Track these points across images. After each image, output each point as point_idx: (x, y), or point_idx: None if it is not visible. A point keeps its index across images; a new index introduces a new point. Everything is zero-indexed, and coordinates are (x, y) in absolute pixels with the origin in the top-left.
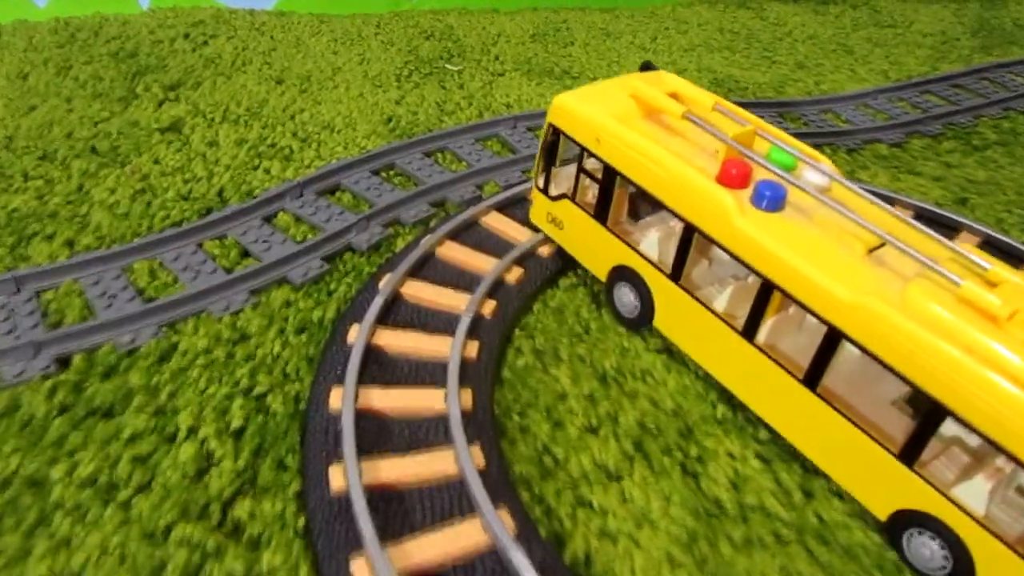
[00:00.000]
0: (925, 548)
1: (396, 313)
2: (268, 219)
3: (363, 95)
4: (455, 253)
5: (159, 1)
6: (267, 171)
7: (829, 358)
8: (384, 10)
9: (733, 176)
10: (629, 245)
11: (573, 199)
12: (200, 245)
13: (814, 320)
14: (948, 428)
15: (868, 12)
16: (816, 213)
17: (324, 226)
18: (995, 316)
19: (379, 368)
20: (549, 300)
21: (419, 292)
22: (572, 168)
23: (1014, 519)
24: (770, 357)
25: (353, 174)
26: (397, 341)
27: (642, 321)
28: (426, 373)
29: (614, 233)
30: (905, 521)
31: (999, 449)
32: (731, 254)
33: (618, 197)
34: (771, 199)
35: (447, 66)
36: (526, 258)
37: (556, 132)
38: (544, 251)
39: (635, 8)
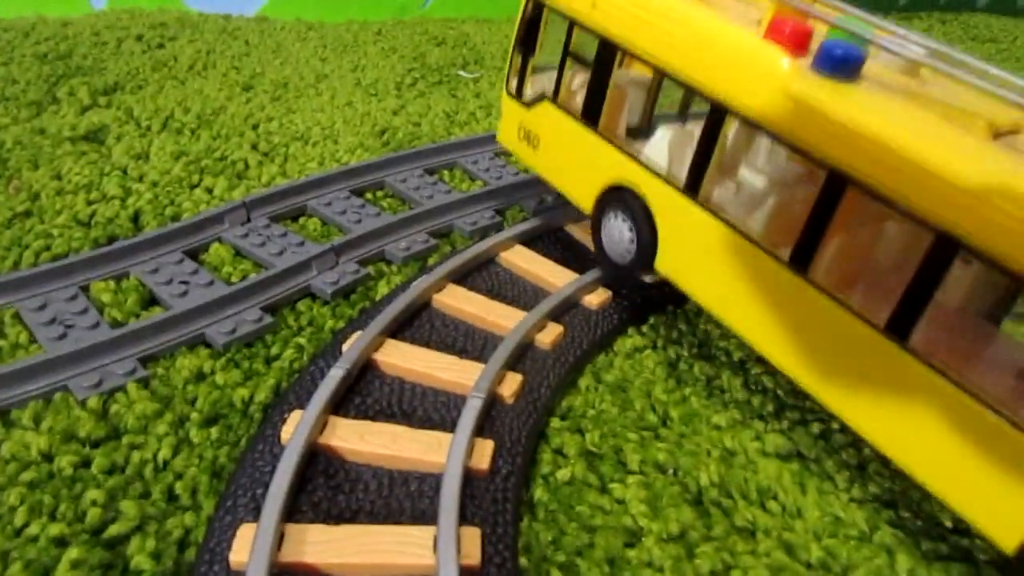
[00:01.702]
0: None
1: (365, 394)
2: (194, 252)
3: (352, 104)
4: (461, 302)
5: (117, 2)
6: (208, 190)
7: (934, 287)
8: (387, 17)
9: (787, 36)
10: (628, 154)
11: (554, 100)
12: (84, 288)
13: (908, 234)
14: None
15: (960, 27)
16: (911, 86)
17: (273, 261)
18: None
19: (328, 488)
20: (603, 372)
21: (403, 360)
22: (555, 70)
23: None
24: (834, 298)
25: (326, 194)
26: (361, 440)
27: (638, 265)
28: (406, 497)
29: (608, 139)
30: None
31: None
32: (783, 139)
33: (616, 88)
34: (842, 62)
35: (460, 73)
36: (566, 310)
37: (537, 7)
38: (592, 300)
39: None
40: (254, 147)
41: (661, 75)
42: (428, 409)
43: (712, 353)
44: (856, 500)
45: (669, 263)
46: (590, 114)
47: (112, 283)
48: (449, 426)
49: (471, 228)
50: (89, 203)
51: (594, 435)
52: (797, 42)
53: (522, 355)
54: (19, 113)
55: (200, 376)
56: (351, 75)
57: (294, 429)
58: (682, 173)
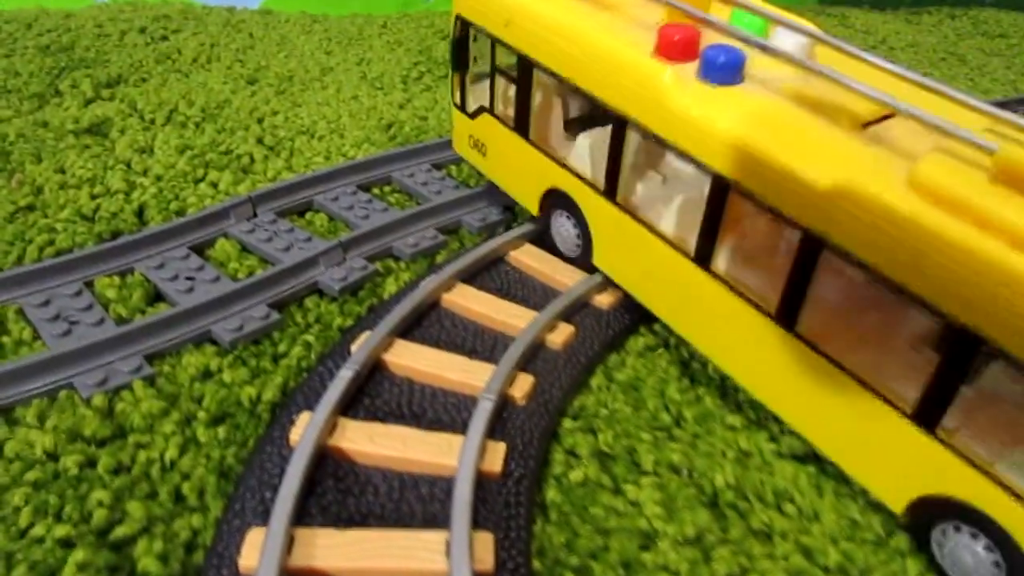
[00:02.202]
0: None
1: (374, 395)
2: (200, 248)
3: (357, 97)
4: (471, 302)
5: None
6: (213, 184)
7: (810, 281)
8: (393, 10)
9: (674, 44)
10: (558, 161)
11: (492, 111)
12: (89, 284)
13: (790, 230)
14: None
15: (970, 22)
16: (790, 84)
17: (280, 257)
18: None
19: (337, 492)
20: (616, 371)
21: (413, 361)
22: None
23: None
24: (733, 290)
25: (333, 189)
26: (371, 443)
27: (586, 258)
28: (417, 501)
29: (539, 148)
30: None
31: None
32: (672, 147)
33: (538, 98)
34: (723, 68)
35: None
36: (577, 310)
37: (464, 25)
38: (604, 299)
39: None
40: (259, 141)
41: (573, 90)
42: (439, 410)
43: None
44: (872, 503)
45: (603, 259)
46: (521, 124)
47: (117, 279)
48: (460, 428)
49: (480, 224)
50: (93, 197)
51: (607, 435)
52: (685, 52)
53: (533, 356)
54: (21, 106)
55: (207, 374)
56: (356, 68)
57: (303, 431)
58: (601, 178)
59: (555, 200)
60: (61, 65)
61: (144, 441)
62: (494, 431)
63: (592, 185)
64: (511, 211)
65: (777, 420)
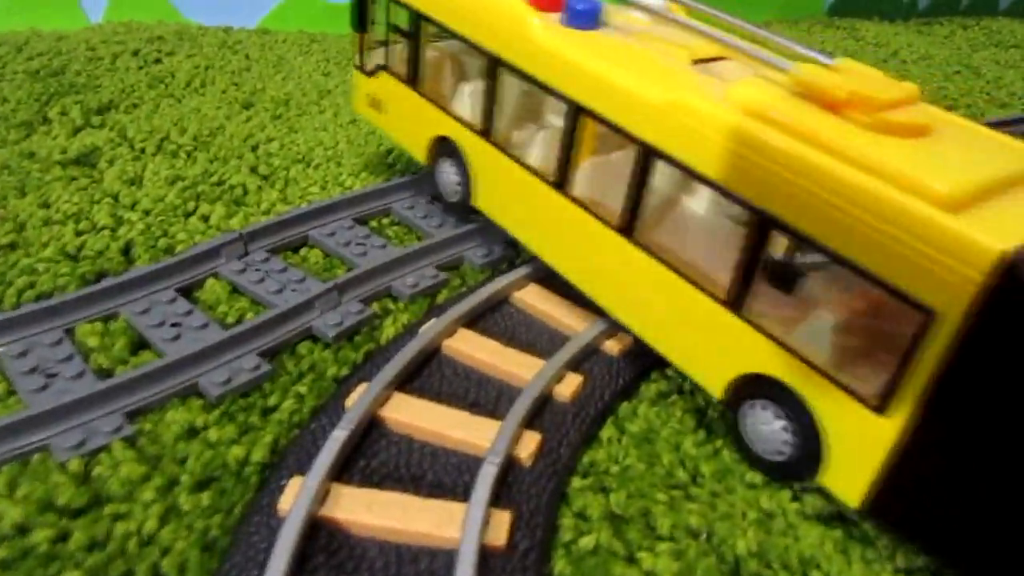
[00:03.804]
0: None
1: (370, 455)
2: (188, 289)
3: (356, 122)
4: (474, 349)
5: (114, 15)
6: (204, 218)
7: (644, 190)
8: None
9: None
10: (444, 109)
11: (388, 68)
12: (70, 330)
13: (631, 146)
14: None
15: (983, 32)
16: (638, 30)
17: (272, 300)
18: (833, 100)
19: (330, 568)
20: (627, 421)
21: (412, 417)
22: (385, 42)
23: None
24: (585, 208)
25: (328, 223)
26: (367, 512)
27: (466, 201)
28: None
29: (428, 99)
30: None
31: (837, 260)
32: (536, 82)
33: (428, 52)
34: (582, 14)
35: None
36: (586, 358)
37: None
38: (614, 345)
39: None
40: (253, 170)
41: (456, 38)
42: (439, 473)
43: None
44: (902, 570)
45: (482, 199)
46: (413, 78)
47: (100, 325)
48: (462, 493)
49: (483, 260)
50: (78, 234)
51: (619, 495)
52: (551, 2)
53: (540, 410)
54: (8, 135)
55: (192, 432)
56: None
57: (294, 499)
58: (479, 121)
59: (441, 148)
60: (51, 91)
61: (122, 511)
62: (499, 498)
63: (471, 128)
64: (514, 247)
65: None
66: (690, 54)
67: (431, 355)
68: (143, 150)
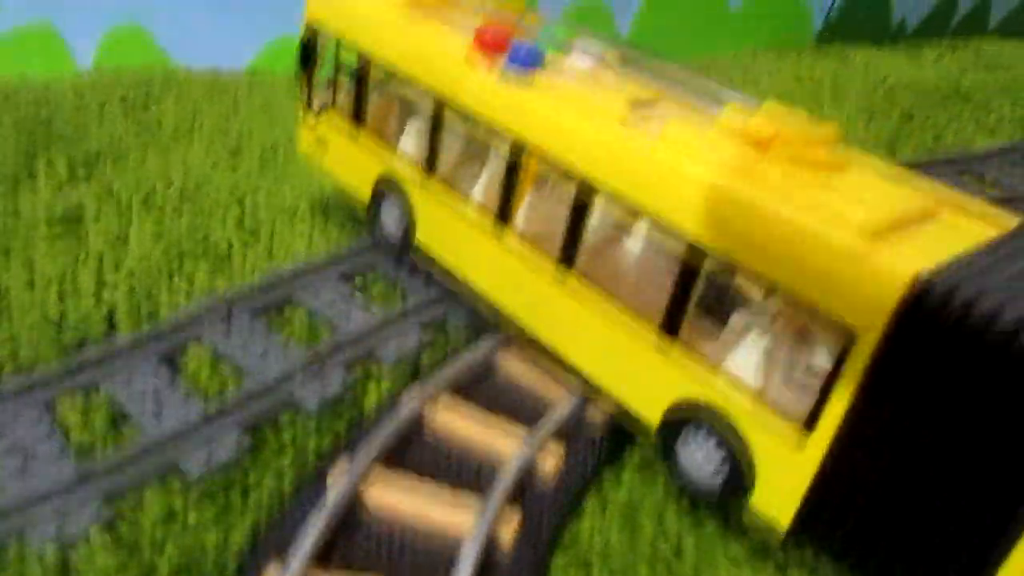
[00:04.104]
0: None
1: (350, 535)
2: (170, 357)
3: None
4: (457, 421)
5: (104, 60)
6: (188, 279)
7: (582, 224)
8: None
9: (488, 41)
10: (388, 149)
11: (334, 107)
12: (50, 406)
13: (570, 182)
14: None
15: (972, 53)
16: (579, 73)
17: (255, 369)
18: (759, 139)
19: None
20: (611, 493)
21: (392, 496)
22: (331, 82)
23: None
24: (526, 244)
25: (313, 282)
26: None
27: (406, 243)
28: None
29: (373, 138)
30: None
31: (765, 286)
32: (479, 121)
33: (375, 93)
34: (524, 58)
35: None
36: (570, 426)
37: (312, 29)
38: (597, 412)
39: (689, 59)
40: (239, 224)
41: (402, 79)
42: (419, 556)
43: None
44: None
45: (425, 237)
46: (359, 117)
47: (80, 399)
48: None
49: (468, 320)
50: (61, 298)
51: (602, 573)
52: (496, 48)
53: (522, 484)
54: None
55: (171, 514)
56: None
57: None
58: (423, 160)
59: (384, 187)
60: (38, 142)
61: None
62: None
63: (415, 167)
64: None
65: (782, 549)
66: (628, 97)
67: (414, 425)
68: (129, 205)
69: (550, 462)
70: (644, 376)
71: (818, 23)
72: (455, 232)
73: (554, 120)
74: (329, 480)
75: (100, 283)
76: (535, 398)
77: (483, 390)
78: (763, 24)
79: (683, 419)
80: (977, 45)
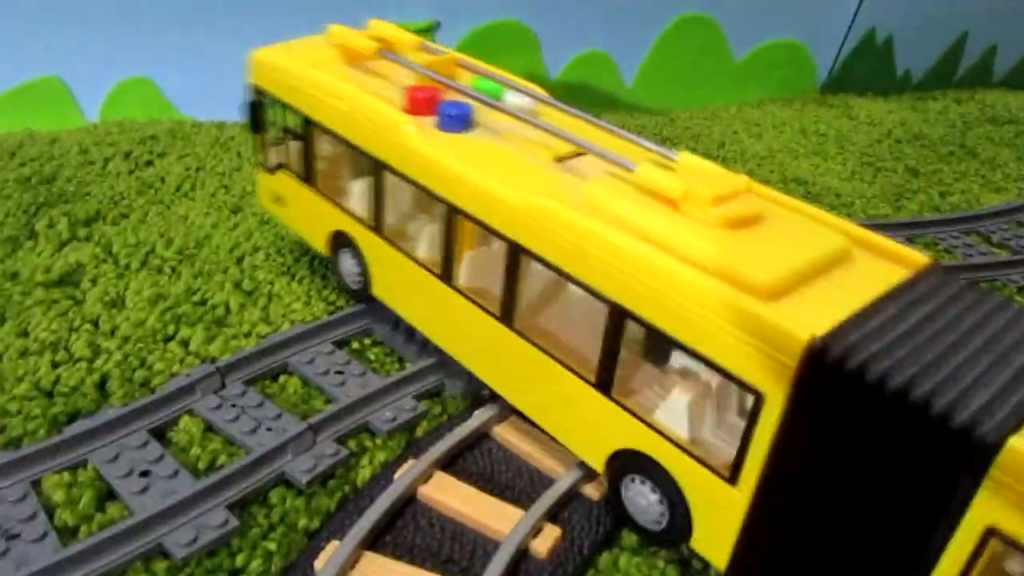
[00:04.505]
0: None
1: None
2: (161, 431)
3: None
4: (450, 497)
5: (110, 114)
6: (184, 344)
7: (517, 282)
8: None
9: (419, 102)
10: (339, 206)
11: (286, 166)
12: (36, 483)
13: (500, 243)
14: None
15: (976, 106)
16: (508, 131)
17: (245, 441)
18: (670, 198)
19: None
20: (606, 575)
21: None
22: (283, 141)
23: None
24: (468, 298)
25: (307, 349)
26: None
27: (367, 291)
28: None
29: (324, 196)
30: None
31: (681, 347)
32: (415, 183)
33: (321, 153)
34: (454, 118)
35: None
36: (565, 504)
37: (258, 91)
38: (594, 489)
39: (693, 109)
40: (237, 286)
41: (341, 141)
42: None
43: None
44: None
45: (378, 287)
46: (309, 177)
47: (68, 475)
48: None
49: (464, 388)
50: (54, 366)
51: None
52: (427, 108)
53: (515, 569)
54: None
55: None
56: None
57: None
58: (370, 217)
59: (340, 241)
60: (40, 201)
61: None
62: None
63: (363, 223)
64: None
65: None
66: (553, 153)
67: (406, 503)
68: (128, 266)
69: (546, 543)
70: (585, 425)
71: (823, 74)
72: (406, 286)
73: (480, 185)
74: (317, 564)
75: (94, 350)
76: (531, 471)
77: (479, 463)
78: (768, 74)
79: (623, 468)
80: (982, 97)
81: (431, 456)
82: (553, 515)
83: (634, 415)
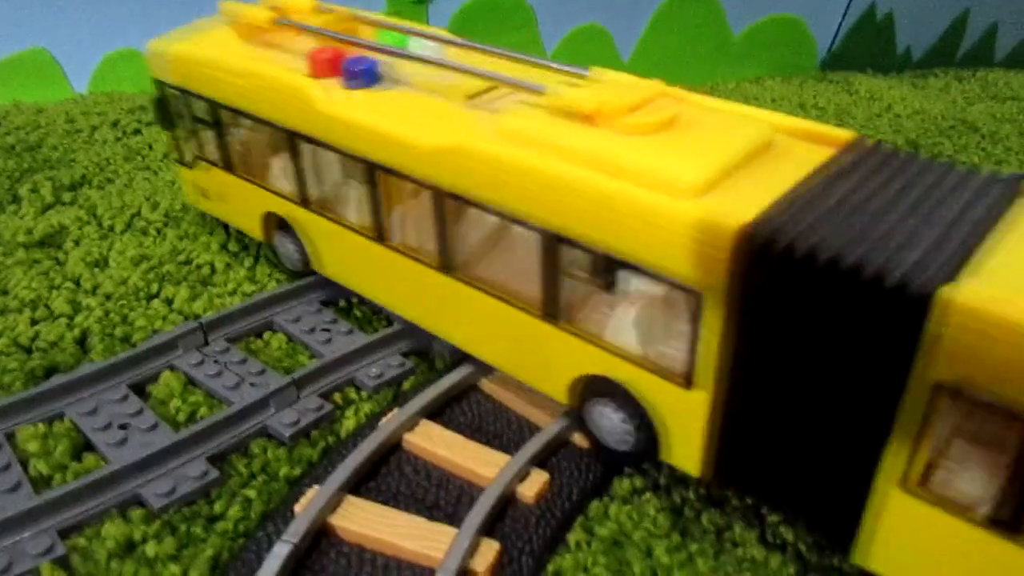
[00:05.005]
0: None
1: (318, 569)
2: (141, 384)
3: None
4: (435, 444)
5: (98, 86)
6: (167, 302)
7: (448, 229)
8: None
9: (322, 64)
10: (264, 187)
11: (204, 157)
12: (10, 435)
13: (423, 191)
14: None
15: (978, 84)
16: (417, 78)
17: (228, 395)
18: (584, 113)
19: None
20: (597, 523)
21: (364, 525)
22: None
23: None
24: (406, 255)
25: (294, 306)
26: None
27: (307, 268)
28: None
29: (246, 179)
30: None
31: (616, 262)
32: (331, 148)
33: (238, 136)
34: (359, 75)
35: None
36: (553, 452)
37: (161, 85)
38: (583, 439)
39: (691, 85)
40: (223, 247)
41: (253, 119)
42: None
43: (723, 496)
44: None
45: (320, 263)
46: (228, 162)
47: (43, 427)
48: None
49: (452, 346)
50: (33, 323)
51: None
52: (332, 69)
53: (502, 514)
54: None
55: (129, 547)
56: None
57: None
58: (296, 192)
59: (273, 223)
60: (24, 167)
61: None
62: None
63: (291, 200)
64: None
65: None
66: (464, 92)
67: (391, 451)
68: (112, 228)
69: (533, 489)
70: (542, 359)
71: (823, 51)
72: (344, 255)
73: (395, 136)
74: (297, 508)
75: (74, 307)
76: (520, 421)
77: (466, 414)
78: (767, 51)
79: (585, 394)
80: (984, 76)
81: (416, 404)
82: (541, 462)
83: (584, 340)
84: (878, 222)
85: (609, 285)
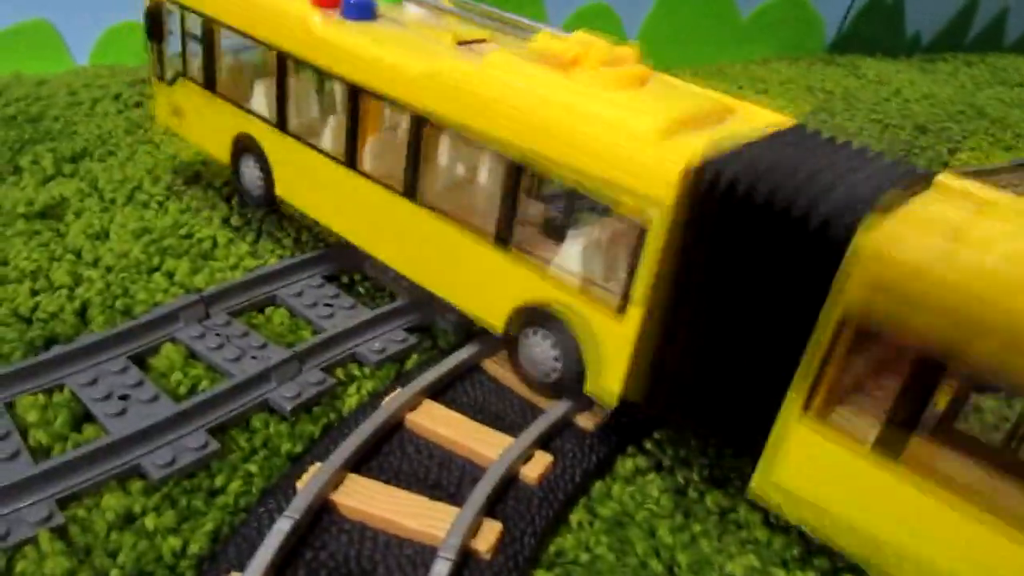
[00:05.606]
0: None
1: (319, 546)
2: (141, 356)
3: None
4: (438, 424)
5: (100, 59)
6: (168, 275)
7: (420, 155)
8: None
9: None
10: (242, 109)
11: (186, 75)
12: (10, 405)
13: (405, 116)
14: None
15: (987, 69)
16: (412, 20)
17: (229, 368)
18: (563, 61)
19: None
20: (600, 504)
21: (366, 503)
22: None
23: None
24: (373, 179)
25: (296, 282)
26: None
27: (269, 195)
28: None
29: (227, 99)
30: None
31: (574, 195)
32: (320, 70)
33: (223, 56)
34: (357, 7)
35: None
36: (557, 433)
37: (155, 3)
38: (587, 419)
39: (697, 66)
40: (225, 222)
41: (247, 39)
42: (391, 567)
43: (726, 476)
44: None
45: (283, 188)
46: (211, 81)
47: (43, 397)
48: None
49: (455, 322)
50: (33, 293)
51: None
52: (331, 0)
53: (504, 494)
54: None
55: (128, 518)
56: None
57: None
58: (274, 115)
59: (242, 146)
60: (25, 138)
61: None
62: None
63: (268, 122)
64: None
65: (785, 564)
66: (455, 38)
67: (393, 430)
68: (113, 200)
69: (536, 470)
70: (486, 286)
71: (830, 33)
72: (309, 179)
73: (384, 60)
74: (299, 484)
75: (75, 278)
76: (523, 402)
77: (469, 393)
78: (774, 33)
79: (521, 324)
80: (993, 61)
81: (419, 384)
82: (544, 443)
83: (530, 268)
84: (811, 179)
85: (561, 217)
